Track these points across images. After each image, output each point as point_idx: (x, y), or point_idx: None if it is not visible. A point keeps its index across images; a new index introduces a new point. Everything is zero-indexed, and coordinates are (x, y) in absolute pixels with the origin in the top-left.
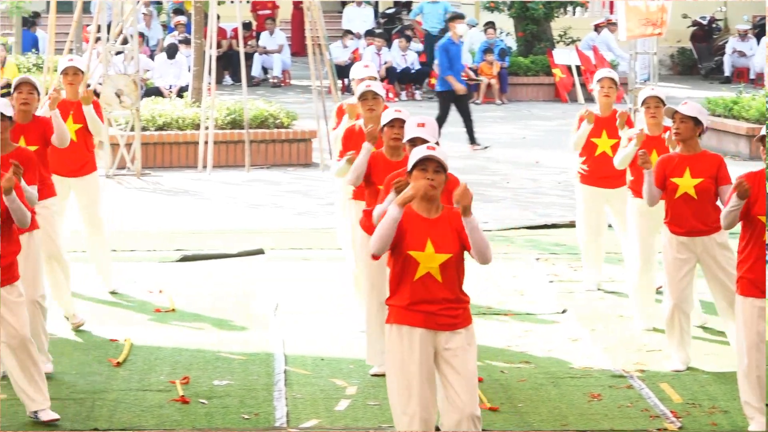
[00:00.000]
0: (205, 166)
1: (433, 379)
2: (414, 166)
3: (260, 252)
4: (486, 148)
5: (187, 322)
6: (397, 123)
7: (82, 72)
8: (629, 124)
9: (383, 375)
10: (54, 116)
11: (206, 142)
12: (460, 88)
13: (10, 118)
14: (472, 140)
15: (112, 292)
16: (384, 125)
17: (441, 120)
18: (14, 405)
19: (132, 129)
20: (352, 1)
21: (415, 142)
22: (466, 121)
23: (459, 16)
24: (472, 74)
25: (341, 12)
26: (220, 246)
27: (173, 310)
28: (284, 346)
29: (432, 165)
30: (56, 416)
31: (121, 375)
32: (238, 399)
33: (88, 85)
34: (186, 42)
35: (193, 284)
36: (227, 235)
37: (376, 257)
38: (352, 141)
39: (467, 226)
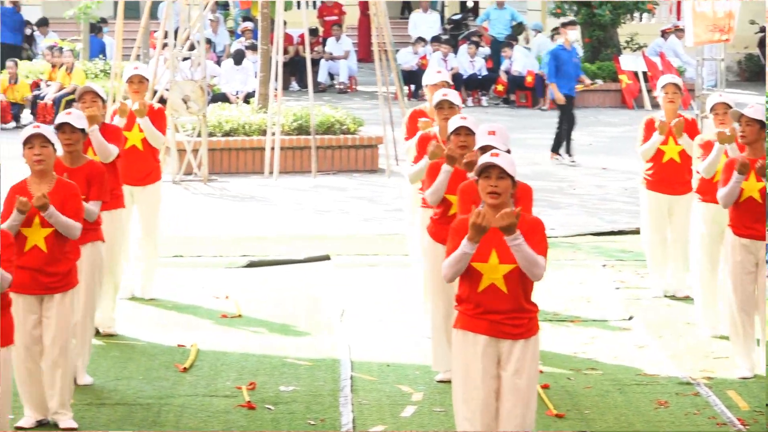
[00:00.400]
0: (271, 172)
1: (495, 386)
2: (479, 174)
3: (326, 258)
4: (572, 162)
5: (254, 327)
6: (463, 131)
7: (147, 80)
8: (694, 130)
9: (449, 381)
10: (92, 133)
11: (272, 148)
12: (559, 97)
13: (82, 130)
14: (557, 149)
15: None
16: (450, 133)
17: (569, 127)
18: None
19: (199, 135)
20: (417, 3)
21: (486, 150)
22: (563, 129)
23: (571, 23)
24: (588, 80)
25: (405, 17)
26: (286, 252)
27: (240, 315)
28: (350, 352)
29: (495, 171)
30: (74, 425)
31: (187, 380)
32: (304, 405)
33: (155, 92)
34: (253, 48)
35: (260, 290)
36: (293, 240)
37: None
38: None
39: (510, 245)
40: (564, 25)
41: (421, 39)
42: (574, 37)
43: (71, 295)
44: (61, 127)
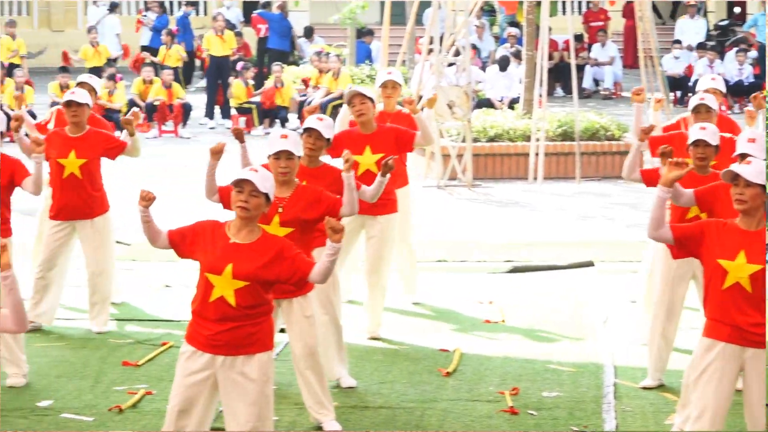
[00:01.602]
0: (535, 178)
1: (732, 395)
2: (728, 181)
3: (590, 264)
4: None
5: (517, 333)
6: (702, 143)
7: (400, 85)
8: None
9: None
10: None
11: (537, 154)
12: None
13: (327, 140)
14: None
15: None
16: (689, 144)
17: None
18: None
19: (463, 140)
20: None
21: (744, 157)
22: None
23: None
24: None
25: (670, 25)
26: (549, 257)
27: (503, 321)
28: (614, 359)
29: (741, 180)
30: (337, 427)
31: (450, 385)
32: (566, 411)
33: (420, 97)
34: (517, 54)
35: (523, 295)
36: (557, 246)
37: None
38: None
39: None
40: None
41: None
42: None
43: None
44: (309, 131)
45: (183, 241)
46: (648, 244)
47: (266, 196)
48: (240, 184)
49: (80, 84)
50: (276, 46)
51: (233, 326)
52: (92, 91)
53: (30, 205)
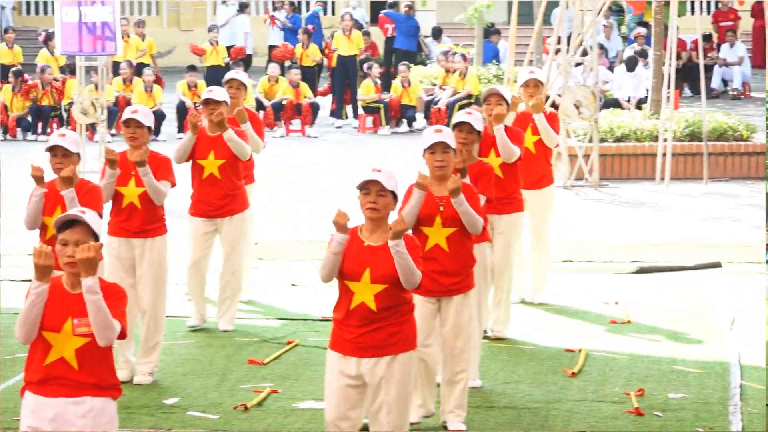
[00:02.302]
0: (662, 178)
1: None
2: None
3: (717, 265)
4: None
5: (643, 334)
6: None
7: (542, 83)
8: None
9: None
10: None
11: (664, 154)
12: None
13: (478, 132)
14: None
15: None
16: None
17: None
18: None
19: (590, 140)
20: None
21: None
22: None
23: None
24: None
25: None
26: (676, 258)
27: (629, 321)
28: (740, 360)
29: None
30: (462, 427)
31: (575, 385)
32: (692, 412)
33: (547, 97)
34: (643, 54)
35: (649, 296)
36: (683, 247)
37: None
38: None
39: None
40: None
41: None
42: None
43: (469, 297)
44: (460, 125)
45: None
46: None
47: (393, 194)
48: (366, 185)
49: (229, 81)
50: (402, 46)
51: (376, 327)
52: (241, 86)
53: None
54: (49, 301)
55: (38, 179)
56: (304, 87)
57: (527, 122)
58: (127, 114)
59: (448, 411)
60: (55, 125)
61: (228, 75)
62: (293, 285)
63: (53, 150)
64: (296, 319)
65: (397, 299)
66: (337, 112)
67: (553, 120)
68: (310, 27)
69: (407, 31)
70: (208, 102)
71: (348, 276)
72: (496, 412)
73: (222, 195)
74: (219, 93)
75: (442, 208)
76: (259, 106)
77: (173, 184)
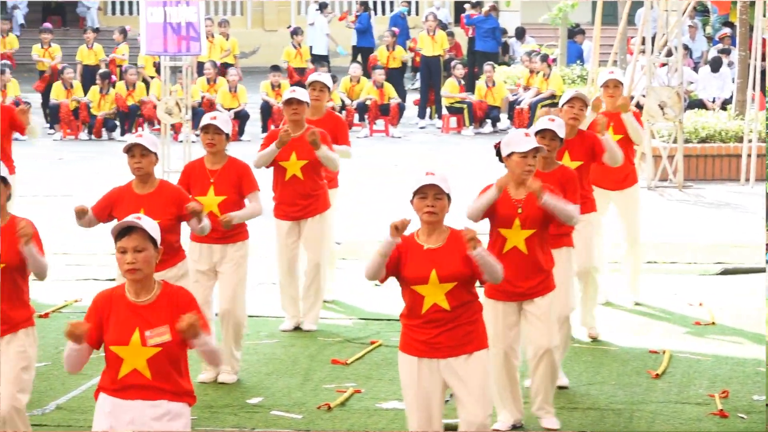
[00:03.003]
0: (747, 179)
1: None
2: None
3: None
4: None
5: (727, 335)
6: None
7: (622, 84)
8: None
9: None
10: None
11: (749, 155)
12: None
13: (561, 139)
14: None
15: (637, 304)
16: None
17: None
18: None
19: (674, 141)
20: None
21: None
22: None
23: None
24: None
25: None
26: (760, 260)
27: (713, 323)
28: None
29: None
30: (556, 425)
31: (659, 387)
32: None
33: (632, 98)
34: (726, 52)
35: (734, 298)
36: None
37: None
38: None
39: None
40: None
41: None
42: None
43: (551, 298)
44: (543, 132)
45: (395, 266)
46: None
47: (448, 196)
48: (423, 189)
49: (312, 83)
50: (481, 48)
51: (452, 326)
52: (324, 88)
53: None
54: (114, 314)
55: (80, 212)
56: (389, 87)
57: (609, 121)
58: (206, 120)
59: (538, 407)
60: (140, 127)
61: (311, 77)
62: (376, 285)
63: (131, 150)
64: (379, 319)
65: (467, 296)
66: (421, 113)
67: (636, 120)
68: (395, 29)
69: (485, 33)
70: (290, 102)
71: (414, 281)
72: (580, 413)
73: (305, 195)
74: (301, 93)
75: (520, 210)
76: (342, 105)
77: (258, 190)
